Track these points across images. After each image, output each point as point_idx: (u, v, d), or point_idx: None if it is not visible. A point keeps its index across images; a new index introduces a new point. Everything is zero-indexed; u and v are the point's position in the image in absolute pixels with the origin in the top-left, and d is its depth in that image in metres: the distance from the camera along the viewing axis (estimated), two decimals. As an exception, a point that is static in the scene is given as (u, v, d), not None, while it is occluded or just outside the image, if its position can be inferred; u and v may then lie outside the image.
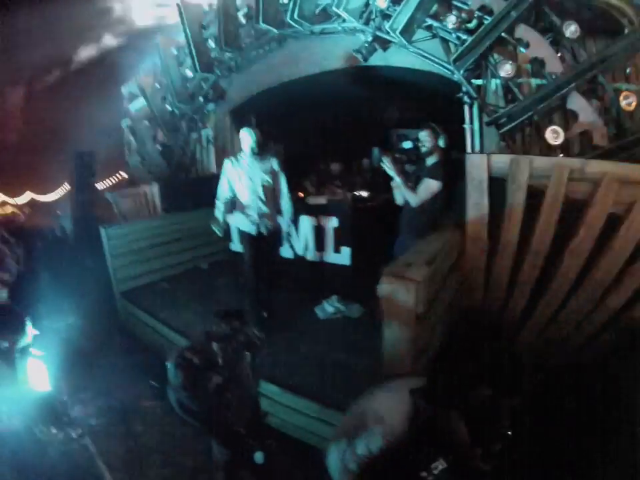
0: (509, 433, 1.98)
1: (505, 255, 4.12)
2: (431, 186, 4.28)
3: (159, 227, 7.34)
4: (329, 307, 5.33)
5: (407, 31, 5.24)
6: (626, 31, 4.63)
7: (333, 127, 8.77)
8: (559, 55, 4.73)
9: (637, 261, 3.72)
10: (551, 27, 4.81)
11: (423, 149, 4.42)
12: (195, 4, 8.14)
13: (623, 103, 4.39)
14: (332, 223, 6.07)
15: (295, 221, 5.63)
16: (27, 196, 28.57)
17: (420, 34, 5.40)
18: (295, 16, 6.03)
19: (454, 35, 5.17)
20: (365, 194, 7.33)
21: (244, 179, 4.87)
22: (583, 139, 4.46)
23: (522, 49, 4.83)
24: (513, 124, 4.63)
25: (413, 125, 4.59)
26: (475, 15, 5.12)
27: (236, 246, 7.12)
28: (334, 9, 5.73)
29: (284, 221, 4.92)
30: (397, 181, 4.42)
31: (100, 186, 16.37)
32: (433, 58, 5.39)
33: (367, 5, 5.69)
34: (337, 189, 7.76)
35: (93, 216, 12.30)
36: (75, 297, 6.21)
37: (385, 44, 5.65)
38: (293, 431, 3.78)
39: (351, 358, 4.16)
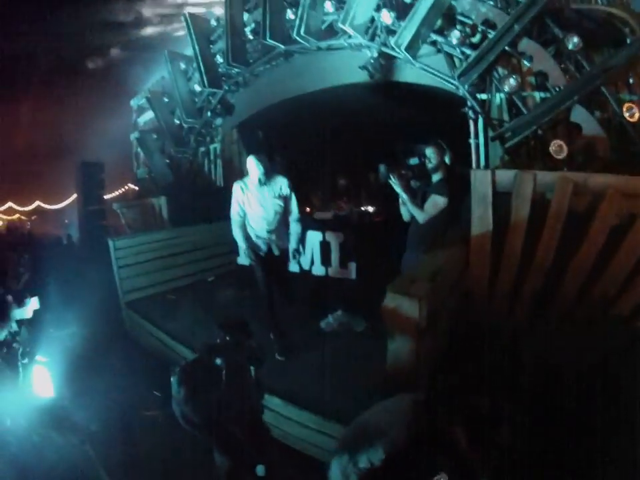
0: (509, 443, 1.99)
1: (508, 268, 4.12)
2: (437, 202, 4.29)
3: (165, 240, 7.38)
4: (334, 321, 5.34)
5: (412, 47, 5.30)
6: (628, 40, 4.66)
7: (339, 142, 8.81)
8: (561, 67, 4.77)
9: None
10: (553, 39, 4.86)
11: (429, 165, 4.41)
12: (202, 17, 8.28)
13: (626, 115, 4.41)
14: (338, 237, 6.09)
15: (302, 236, 5.61)
16: (35, 204, 28.77)
17: (425, 49, 5.46)
18: (302, 32, 6.10)
19: (458, 50, 5.24)
20: (371, 209, 7.36)
21: (254, 205, 4.77)
22: (586, 150, 4.48)
23: (526, 62, 4.88)
24: (518, 138, 4.67)
25: (419, 140, 4.60)
26: (479, 29, 5.19)
27: (242, 259, 7.15)
28: (340, 25, 5.77)
29: (292, 239, 4.86)
30: (404, 197, 4.42)
31: (107, 196, 16.48)
32: (438, 73, 5.44)
33: (372, 21, 5.77)
34: (343, 204, 7.80)
35: (100, 226, 12.40)
36: (80, 305, 6.24)
37: (390, 60, 5.72)
38: (295, 442, 3.78)
39: (354, 371, 4.14)
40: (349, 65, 6.31)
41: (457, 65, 5.33)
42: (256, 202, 4.74)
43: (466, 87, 5.11)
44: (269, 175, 4.67)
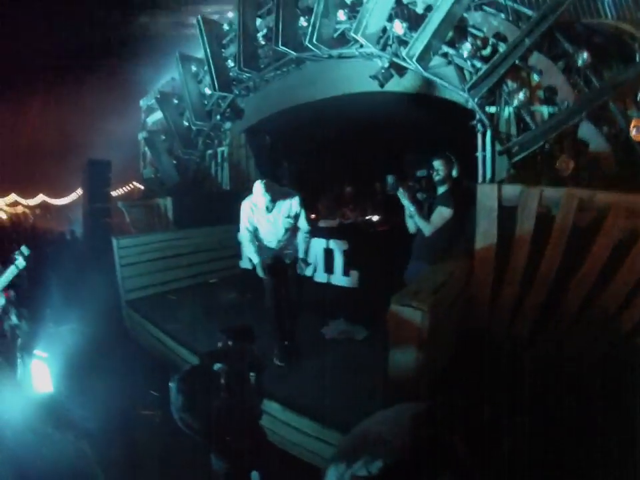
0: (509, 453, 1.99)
1: (512, 281, 4.13)
2: (443, 213, 4.27)
3: (169, 240, 7.43)
4: (335, 328, 5.35)
5: (423, 58, 5.32)
6: (637, 57, 4.67)
7: (347, 150, 8.84)
8: (570, 81, 4.78)
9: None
10: (563, 54, 4.88)
11: (437, 178, 4.39)
12: (215, 21, 8.34)
13: (633, 132, 4.41)
14: (342, 246, 6.11)
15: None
16: (39, 198, 28.89)
17: (435, 60, 5.48)
18: (314, 40, 6.12)
19: (469, 63, 5.25)
20: (376, 218, 7.36)
21: (264, 224, 4.73)
22: (592, 166, 4.48)
23: (535, 77, 4.90)
24: (525, 153, 4.67)
25: (427, 151, 4.59)
26: (490, 43, 5.21)
27: (245, 263, 7.17)
28: (352, 34, 5.79)
29: (300, 250, 4.82)
30: (412, 210, 4.41)
31: (113, 194, 16.53)
32: (448, 85, 5.46)
33: (384, 31, 5.80)
34: (348, 212, 7.80)
35: (104, 224, 12.41)
36: (81, 302, 6.25)
37: (401, 70, 5.74)
38: (291, 448, 3.78)
39: (353, 379, 4.15)
40: (359, 74, 6.33)
41: (466, 78, 5.35)
42: (265, 222, 4.70)
43: (475, 99, 5.12)
44: (276, 199, 4.56)
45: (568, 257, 3.90)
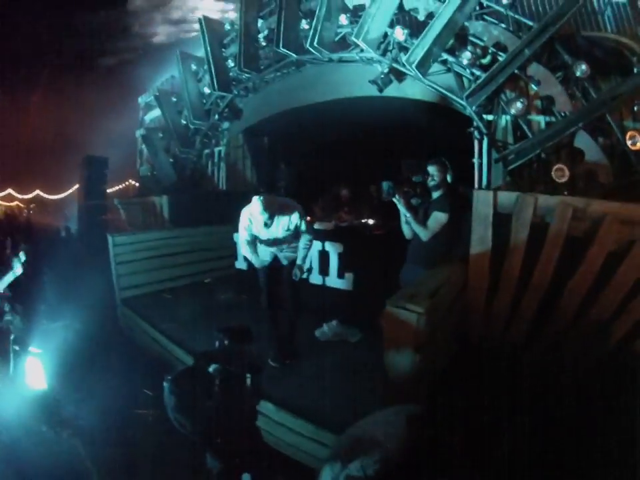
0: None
1: (506, 288, 4.16)
2: (439, 218, 4.28)
3: (165, 239, 7.41)
4: (329, 330, 5.36)
5: (423, 65, 5.36)
6: (635, 70, 4.74)
7: (344, 153, 8.87)
8: (568, 92, 4.84)
9: (635, 298, 3.76)
10: (562, 65, 4.94)
11: (432, 183, 4.42)
12: (217, 21, 8.35)
13: (629, 143, 4.47)
14: (337, 248, 6.14)
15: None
16: (34, 193, 28.79)
17: (434, 67, 5.53)
18: (315, 43, 6.14)
19: (468, 71, 5.31)
20: (371, 221, 7.38)
21: (263, 234, 4.62)
22: (588, 176, 4.54)
23: (533, 86, 4.95)
24: (521, 161, 4.73)
25: (424, 156, 4.62)
26: (490, 52, 5.27)
27: (241, 264, 7.18)
28: (353, 38, 5.81)
29: (299, 256, 4.79)
30: (408, 217, 4.44)
31: (109, 191, 16.50)
32: (447, 92, 5.51)
33: (385, 36, 5.84)
34: (344, 215, 7.82)
35: (100, 221, 12.39)
36: (75, 299, 6.24)
37: (400, 76, 5.79)
38: (286, 448, 3.78)
39: (347, 381, 4.17)
40: (358, 78, 6.38)
41: (465, 85, 5.40)
42: (264, 232, 4.60)
43: (473, 107, 5.17)
44: (275, 214, 4.44)
45: (562, 265, 3.94)
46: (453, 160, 4.55)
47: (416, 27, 5.64)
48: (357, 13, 6.20)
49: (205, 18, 8.02)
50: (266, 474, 3.01)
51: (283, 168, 9.40)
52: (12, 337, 4.35)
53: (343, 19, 6.28)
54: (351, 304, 5.95)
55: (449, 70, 5.51)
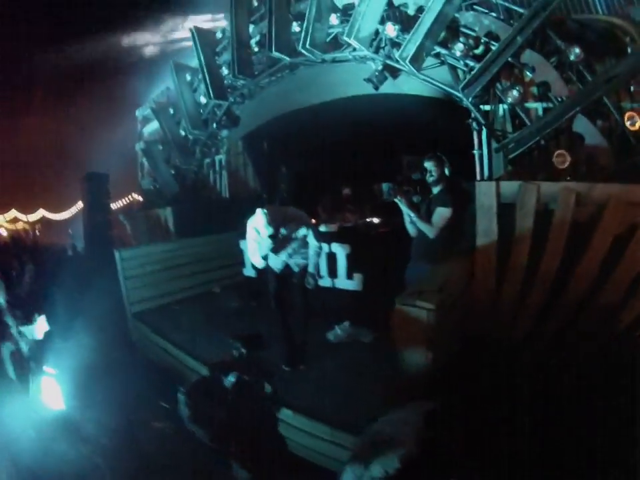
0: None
1: (513, 279, 4.15)
2: (443, 214, 4.27)
3: (172, 251, 7.44)
4: (341, 332, 5.36)
5: (417, 59, 5.34)
6: (629, 50, 4.71)
7: (345, 153, 8.85)
8: (563, 77, 4.82)
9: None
10: (555, 50, 4.92)
11: (430, 179, 4.41)
12: (208, 30, 8.37)
13: (627, 124, 4.45)
14: (344, 249, 6.14)
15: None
16: (39, 214, 28.95)
17: (428, 61, 5.52)
18: (307, 44, 6.15)
19: (462, 62, 5.29)
20: (376, 220, 7.36)
21: (271, 244, 4.52)
22: (589, 160, 4.51)
23: (528, 74, 4.93)
24: (521, 149, 4.70)
25: (425, 151, 4.61)
26: (482, 41, 5.25)
27: (248, 271, 7.19)
28: (345, 37, 5.82)
29: (310, 264, 4.71)
30: (412, 216, 4.43)
31: (113, 206, 16.56)
32: (442, 85, 5.49)
33: (376, 33, 5.83)
34: (349, 215, 7.81)
35: (106, 237, 12.43)
36: (86, 316, 6.27)
37: (394, 72, 5.78)
38: (305, 453, 3.77)
39: (361, 381, 4.17)
40: (353, 77, 6.37)
41: (460, 77, 5.39)
42: (272, 243, 4.50)
43: (470, 98, 5.16)
44: (281, 227, 4.39)
45: (568, 253, 3.93)
46: (455, 152, 4.54)
47: (407, 22, 5.63)
48: (347, 12, 6.18)
49: (197, 28, 8.04)
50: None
51: (283, 171, 9.41)
52: (27, 357, 4.39)
53: (334, 19, 6.28)
54: (361, 304, 5.94)
55: (442, 63, 5.50)
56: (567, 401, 3.02)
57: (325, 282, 6.31)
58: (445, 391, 2.64)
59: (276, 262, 4.74)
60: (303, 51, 6.32)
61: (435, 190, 4.43)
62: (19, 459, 3.29)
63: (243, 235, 4.82)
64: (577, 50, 4.67)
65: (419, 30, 5.23)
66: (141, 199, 14.49)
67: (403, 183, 4.52)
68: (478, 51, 5.28)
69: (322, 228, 6.38)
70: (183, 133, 8.93)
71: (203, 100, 8.46)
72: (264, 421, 2.83)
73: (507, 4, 5.24)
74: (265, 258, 4.65)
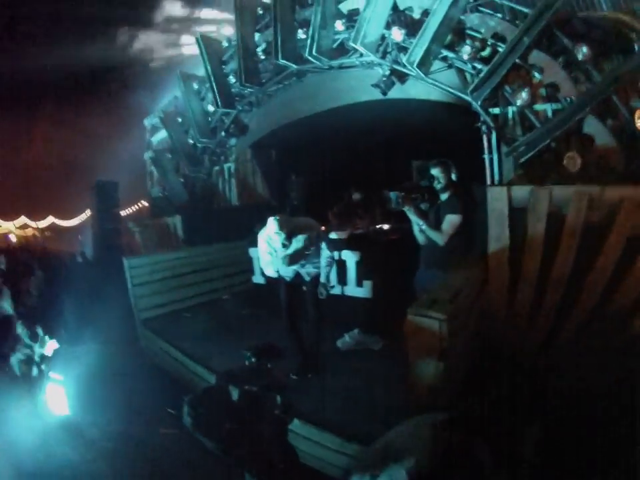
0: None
1: (526, 285, 4.09)
2: (453, 221, 4.23)
3: (180, 259, 7.46)
4: (351, 340, 5.31)
5: (424, 63, 5.30)
6: (636, 47, 4.64)
7: (353, 159, 8.81)
8: (571, 76, 4.76)
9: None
10: (563, 50, 4.85)
11: (438, 186, 4.37)
12: (214, 38, 8.39)
13: (638, 122, 4.38)
14: (354, 256, 6.10)
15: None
16: (48, 220, 29.22)
17: (435, 65, 5.48)
18: (313, 51, 6.11)
19: (469, 65, 5.24)
20: (386, 227, 7.30)
21: (283, 254, 4.42)
22: (600, 161, 4.45)
23: (536, 75, 4.88)
24: (532, 152, 4.64)
25: (432, 156, 4.57)
26: (488, 43, 5.20)
27: (258, 278, 7.17)
28: (351, 43, 5.79)
29: (322, 274, 4.66)
30: (422, 224, 4.38)
31: (122, 214, 16.66)
32: (451, 89, 5.45)
33: (383, 38, 5.80)
34: (358, 222, 7.75)
35: (115, 244, 12.50)
36: (96, 323, 6.29)
37: (402, 77, 5.75)
38: (313, 462, 3.72)
39: (371, 391, 4.11)
40: (361, 84, 6.35)
41: (468, 80, 5.34)
42: (284, 253, 4.42)
43: (479, 102, 5.10)
44: (294, 235, 4.32)
45: (581, 257, 3.87)
46: (464, 157, 4.50)
47: (412, 26, 5.58)
48: (352, 18, 6.16)
49: (203, 37, 8.05)
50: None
51: (292, 179, 9.40)
52: (33, 362, 4.40)
53: (339, 25, 6.25)
54: (371, 312, 5.88)
55: (450, 66, 5.45)
56: (586, 409, 2.97)
57: (335, 289, 6.26)
58: (458, 403, 2.59)
59: (287, 271, 4.67)
60: (310, 58, 6.28)
61: (443, 196, 4.38)
62: (23, 464, 3.28)
63: (252, 243, 4.79)
64: (585, 49, 4.60)
65: (425, 34, 5.20)
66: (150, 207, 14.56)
67: (410, 190, 4.47)
68: (485, 53, 5.23)
69: (332, 235, 6.33)
70: (191, 142, 8.94)
71: (210, 108, 8.47)
72: (273, 432, 2.78)
73: (511, 4, 5.19)
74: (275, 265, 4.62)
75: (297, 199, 9.22)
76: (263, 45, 7.35)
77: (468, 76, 5.36)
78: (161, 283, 7.09)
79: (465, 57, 5.20)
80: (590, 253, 3.84)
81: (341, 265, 6.12)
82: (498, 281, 4.19)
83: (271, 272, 4.64)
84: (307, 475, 3.46)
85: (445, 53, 5.38)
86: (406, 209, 4.31)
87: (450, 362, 3.08)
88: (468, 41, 5.23)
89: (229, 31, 11.08)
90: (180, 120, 9.24)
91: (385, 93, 5.84)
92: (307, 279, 4.71)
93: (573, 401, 3.04)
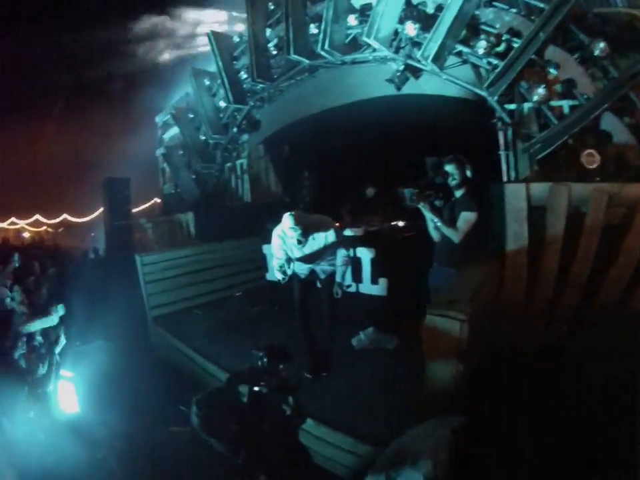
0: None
1: (544, 284, 4.03)
2: (469, 218, 4.14)
3: (193, 255, 7.42)
4: (366, 338, 5.25)
5: (439, 58, 5.26)
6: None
7: (367, 155, 8.74)
8: (589, 73, 4.69)
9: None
10: (579, 45, 4.79)
11: (453, 182, 4.30)
12: (225, 34, 8.37)
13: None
14: (369, 254, 6.05)
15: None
16: (61, 217, 29.44)
17: (450, 60, 5.42)
18: (326, 46, 6.08)
19: (484, 61, 5.18)
20: (401, 223, 7.23)
21: (297, 252, 4.48)
22: (617, 159, 4.37)
23: (552, 71, 4.79)
24: (549, 150, 4.57)
25: (446, 152, 4.50)
26: (503, 39, 5.13)
27: (271, 275, 7.15)
28: (364, 38, 5.75)
29: (338, 274, 4.60)
30: (437, 222, 4.32)
31: (134, 211, 16.72)
32: (466, 85, 5.38)
33: (396, 33, 5.74)
34: (373, 219, 7.70)
35: (127, 241, 12.53)
36: (107, 320, 6.29)
37: (416, 72, 5.68)
38: (324, 462, 3.68)
39: (386, 391, 4.05)
40: (374, 79, 6.30)
41: (483, 75, 5.27)
42: (299, 251, 4.47)
43: (495, 97, 5.03)
44: (309, 232, 4.31)
45: (600, 256, 3.80)
46: (479, 153, 4.43)
47: (426, 21, 5.51)
48: (364, 13, 6.12)
49: (213, 33, 8.02)
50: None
51: (305, 175, 9.36)
52: (43, 360, 4.40)
53: (352, 20, 6.21)
54: (386, 310, 5.83)
55: (464, 62, 5.40)
56: (602, 412, 2.91)
57: (350, 287, 6.22)
58: (476, 405, 2.55)
59: (301, 268, 4.64)
60: (322, 53, 6.26)
61: (458, 193, 4.31)
62: (32, 463, 3.28)
63: (265, 239, 4.76)
64: (602, 44, 4.52)
65: (439, 28, 5.15)
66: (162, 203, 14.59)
67: (424, 187, 4.40)
68: (500, 49, 5.16)
69: (347, 232, 6.29)
70: (203, 138, 8.94)
71: (222, 104, 8.45)
72: (283, 433, 2.75)
73: (526, -1, 5.11)
74: (289, 264, 4.58)
75: (309, 195, 9.18)
76: (275, 40, 7.33)
77: (483, 71, 5.30)
78: (173, 280, 7.05)
79: (480, 51, 5.15)
80: (609, 253, 3.77)
81: (356, 263, 6.07)
82: (516, 280, 4.13)
83: (279, 276, 4.60)
84: (320, 476, 3.43)
85: (459, 48, 5.33)
86: (420, 205, 4.25)
87: (468, 364, 3.02)
88: (483, 36, 5.17)
89: (240, 28, 11.02)
90: (192, 116, 9.24)
91: (399, 88, 5.80)
92: (322, 276, 4.67)
93: (594, 405, 2.99)
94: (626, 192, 3.78)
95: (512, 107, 5.06)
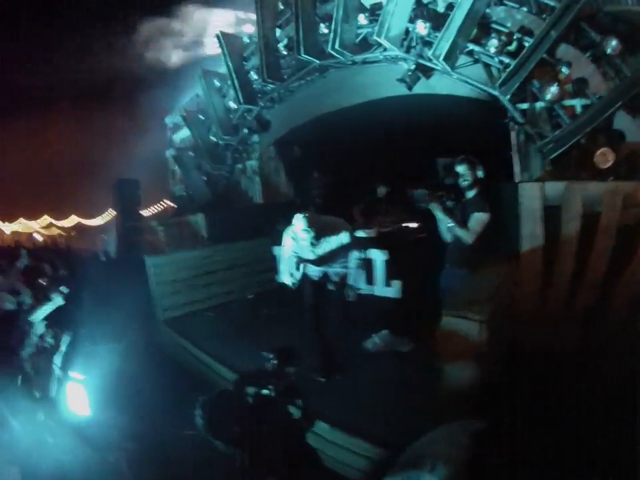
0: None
1: (559, 285, 3.98)
2: (481, 219, 4.11)
3: (203, 257, 7.41)
4: (380, 341, 5.21)
5: (450, 57, 5.22)
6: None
7: (378, 156, 8.71)
8: (600, 71, 4.64)
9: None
10: (591, 44, 4.74)
11: (465, 183, 4.26)
12: (235, 35, 8.37)
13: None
14: (382, 255, 5.99)
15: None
16: (72, 219, 29.66)
17: (461, 59, 5.38)
18: (336, 46, 6.07)
19: (496, 59, 5.14)
20: (414, 225, 7.18)
21: (309, 254, 4.42)
22: (631, 158, 4.34)
23: (564, 70, 4.75)
24: (562, 149, 4.53)
25: (457, 154, 4.47)
26: (515, 37, 5.09)
27: (282, 277, 7.14)
28: (375, 37, 5.73)
29: (350, 276, 4.59)
30: (449, 222, 4.29)
31: (146, 213, 16.79)
32: (478, 84, 5.34)
33: (407, 32, 5.71)
34: (386, 219, 7.66)
35: (138, 243, 12.57)
36: (117, 321, 6.30)
37: (427, 71, 5.65)
38: (337, 466, 3.65)
39: (401, 394, 4.01)
40: (385, 79, 6.26)
41: (494, 75, 5.23)
42: (311, 253, 4.40)
43: (507, 96, 4.99)
44: (322, 235, 4.24)
45: (615, 256, 3.75)
46: (491, 153, 4.40)
47: (436, 20, 5.49)
48: (374, 12, 6.09)
49: (223, 34, 8.02)
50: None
51: (316, 176, 9.34)
52: (55, 360, 4.41)
53: (362, 19, 6.19)
54: (400, 312, 5.80)
55: (476, 61, 5.36)
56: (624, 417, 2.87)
57: (363, 289, 6.18)
58: (494, 409, 2.52)
59: (314, 270, 4.61)
60: (333, 53, 6.23)
61: (470, 194, 4.27)
62: (43, 465, 3.29)
63: (275, 241, 4.74)
64: (614, 42, 4.48)
65: (450, 27, 5.12)
66: (173, 205, 14.64)
67: (436, 188, 4.38)
68: (511, 47, 5.12)
69: (359, 233, 6.25)
70: (213, 139, 8.94)
71: (232, 105, 8.46)
72: (289, 436, 2.74)
73: (537, -3, 5.06)
74: (298, 268, 4.56)
75: (320, 196, 9.15)
76: (285, 41, 7.31)
77: (494, 70, 5.26)
78: (184, 281, 7.06)
79: (492, 50, 5.11)
80: (625, 253, 3.72)
81: (369, 264, 6.04)
82: (530, 281, 4.09)
83: (289, 281, 4.58)
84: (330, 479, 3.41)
85: (470, 46, 5.29)
86: (432, 206, 4.22)
87: (487, 366, 2.99)
88: (494, 35, 5.13)
89: (250, 29, 11.03)
90: (202, 117, 9.23)
91: (410, 88, 5.76)
92: (335, 279, 4.64)
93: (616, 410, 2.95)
94: (640, 191, 3.74)
95: (524, 106, 5.00)
